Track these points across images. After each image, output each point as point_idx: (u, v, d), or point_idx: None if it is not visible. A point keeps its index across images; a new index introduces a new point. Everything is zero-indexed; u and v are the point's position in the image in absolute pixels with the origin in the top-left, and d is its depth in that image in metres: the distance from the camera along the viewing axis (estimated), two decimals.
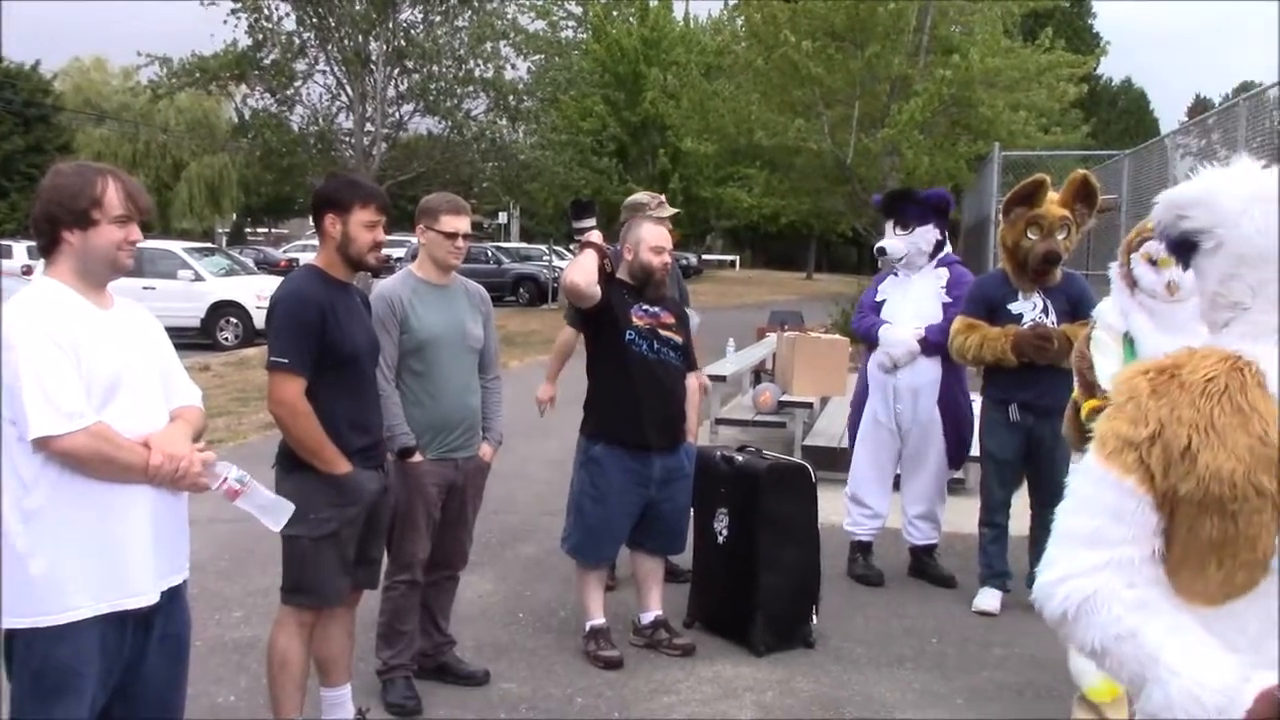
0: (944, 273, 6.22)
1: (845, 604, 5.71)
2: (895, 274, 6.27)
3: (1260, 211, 1.82)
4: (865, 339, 6.29)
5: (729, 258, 62.11)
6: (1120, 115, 46.04)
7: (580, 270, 4.73)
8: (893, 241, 6.16)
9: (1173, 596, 1.83)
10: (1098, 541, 1.86)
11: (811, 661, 4.99)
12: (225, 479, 2.85)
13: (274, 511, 3.00)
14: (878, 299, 6.25)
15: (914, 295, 6.17)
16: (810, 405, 9.22)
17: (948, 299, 6.11)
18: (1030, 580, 2.02)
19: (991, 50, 20.17)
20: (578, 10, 36.27)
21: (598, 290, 4.73)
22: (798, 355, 9.32)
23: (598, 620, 4.97)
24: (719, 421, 9.36)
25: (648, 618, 5.09)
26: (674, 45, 38.59)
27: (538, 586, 5.92)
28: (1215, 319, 1.90)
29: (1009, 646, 5.15)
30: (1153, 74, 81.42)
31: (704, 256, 53.63)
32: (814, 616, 5.21)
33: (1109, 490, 1.85)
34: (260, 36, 22.64)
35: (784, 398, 9.20)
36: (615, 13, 39.50)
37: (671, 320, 4.94)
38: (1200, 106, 50.48)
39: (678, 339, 4.94)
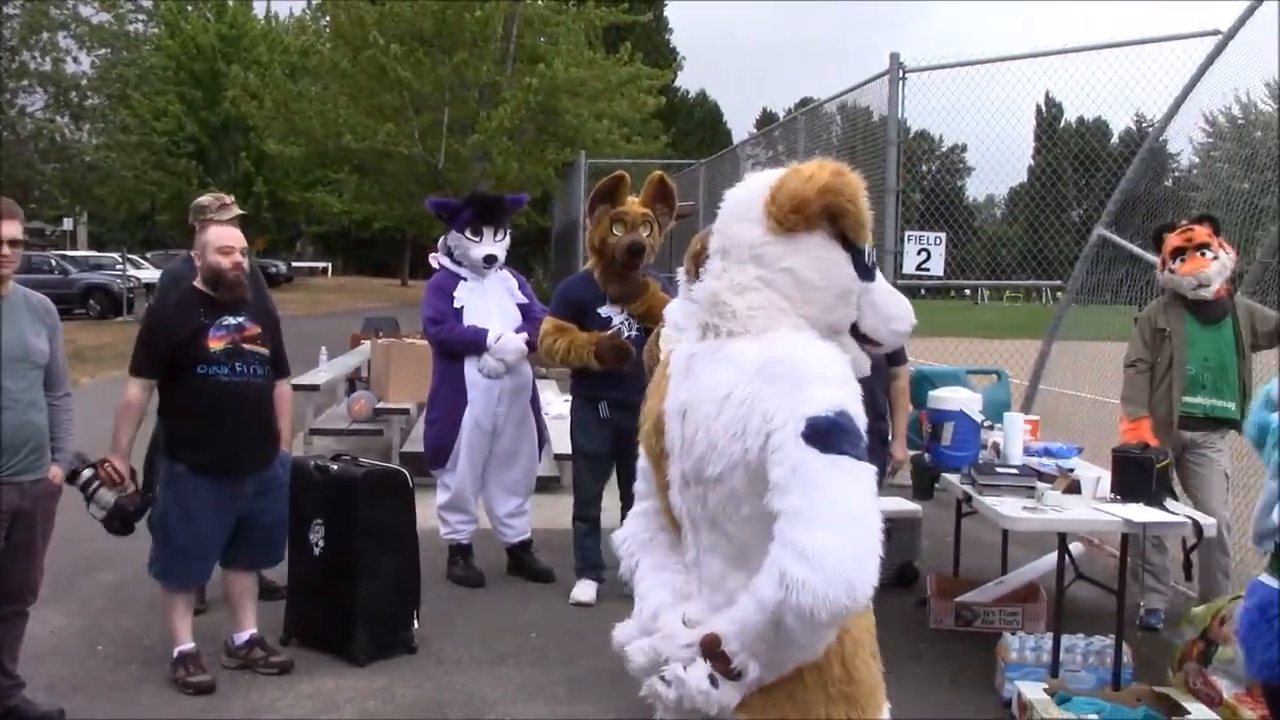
0: (507, 275, 6.34)
1: (446, 607, 5.74)
2: (464, 279, 6.19)
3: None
4: (468, 346, 6.07)
5: (320, 265, 60.42)
6: (697, 126, 48.74)
7: None
8: (497, 248, 6.20)
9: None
10: (638, 497, 2.37)
11: (414, 666, 4.98)
12: None
13: None
14: (456, 306, 6.13)
15: (493, 299, 6.20)
16: (407, 411, 9.17)
17: (523, 299, 6.28)
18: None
19: (575, 61, 20.89)
20: (147, 3, 34.12)
21: None
22: (393, 362, 9.26)
23: (186, 645, 4.72)
24: (313, 432, 9.13)
25: (242, 637, 4.89)
26: (255, 43, 37.16)
27: (119, 616, 5.54)
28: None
29: (604, 634, 5.30)
30: (725, 88, 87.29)
31: (294, 264, 51.85)
32: (415, 621, 5.20)
33: (642, 457, 2.31)
34: None
35: (380, 405, 9.11)
36: (190, 7, 37.50)
37: (257, 330, 4.71)
38: (767, 119, 54.52)
39: (264, 351, 4.73)
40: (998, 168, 9.49)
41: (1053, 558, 5.18)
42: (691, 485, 2.10)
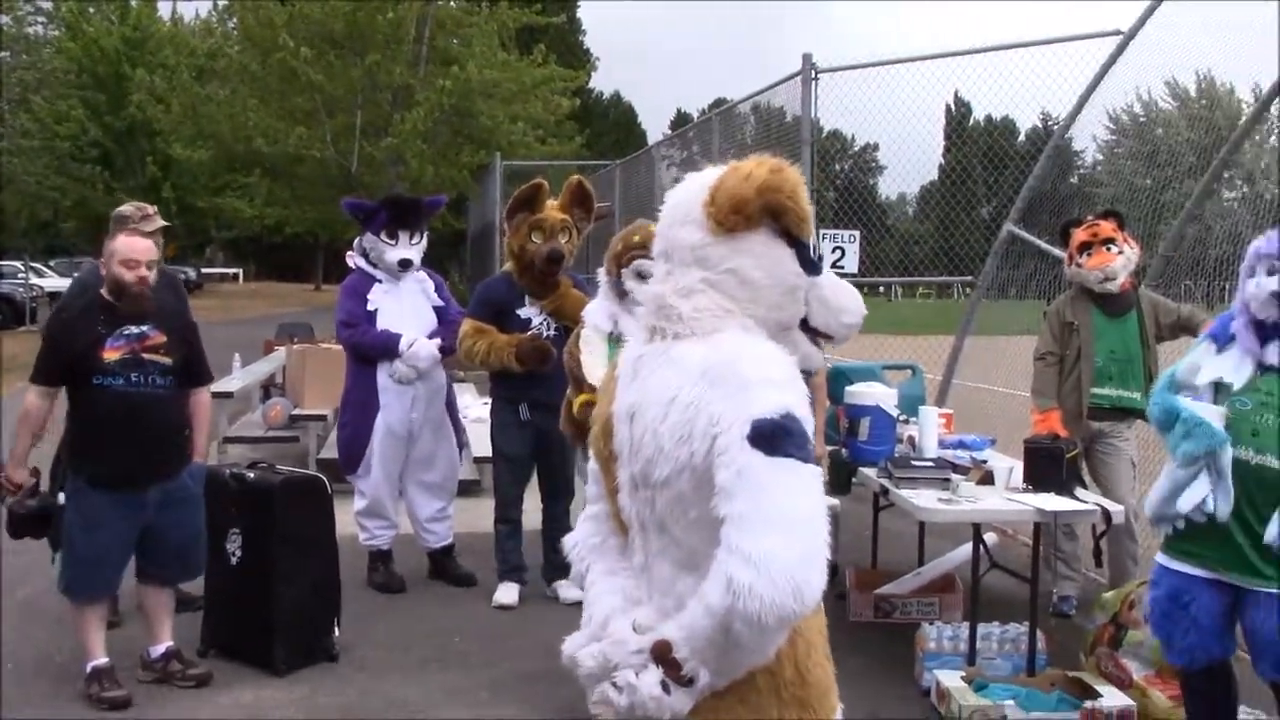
0: (424, 276, 6.27)
1: (367, 613, 5.68)
2: (379, 281, 6.11)
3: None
4: (381, 351, 5.98)
5: (231, 271, 59.44)
6: (612, 127, 48.86)
7: None
8: (413, 252, 6.14)
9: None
10: (589, 500, 2.36)
11: (335, 674, 4.92)
12: None
13: None
14: (370, 309, 6.04)
15: (409, 302, 6.13)
16: (324, 418, 9.06)
17: (439, 302, 6.22)
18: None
19: (489, 63, 20.81)
20: (47, 5, 33.33)
21: None
22: (309, 368, 9.14)
23: (100, 660, 4.62)
24: (227, 440, 8.97)
25: (158, 650, 4.80)
26: (161, 46, 36.46)
27: (30, 631, 5.39)
28: None
29: (527, 636, 5.35)
30: (639, 89, 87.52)
31: (204, 270, 50.93)
32: (336, 629, 5.14)
33: (592, 459, 2.31)
34: None
35: (296, 411, 8.99)
36: (92, 9, 36.67)
37: (161, 340, 4.59)
38: (681, 120, 54.77)
39: (168, 360, 4.60)
40: (909, 166, 9.65)
41: (968, 548, 5.27)
42: (640, 489, 2.09)
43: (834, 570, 6.19)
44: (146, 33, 37.14)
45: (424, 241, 6.22)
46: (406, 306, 6.11)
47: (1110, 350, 5.56)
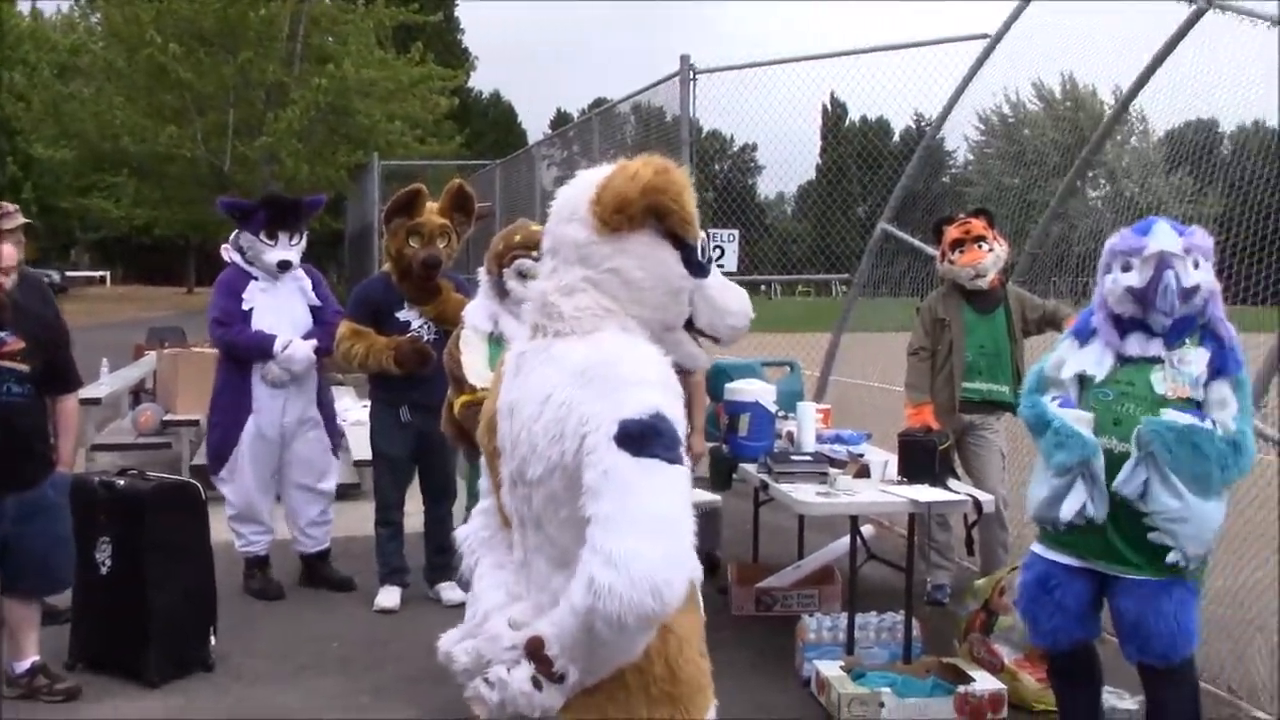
0: (301, 274, 6.13)
1: (244, 621, 5.56)
2: (255, 279, 5.98)
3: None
4: (254, 352, 5.88)
5: (98, 273, 57.62)
6: (492, 126, 48.61)
7: None
8: (293, 253, 6.00)
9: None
10: (482, 494, 2.36)
11: (211, 684, 4.82)
12: None
13: None
14: (245, 308, 5.92)
15: (285, 301, 6.01)
16: (196, 423, 8.82)
17: (316, 302, 6.10)
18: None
19: (365, 61, 20.54)
20: None
21: None
22: (181, 372, 8.91)
23: None
24: (95, 448, 8.71)
25: (22, 665, 4.63)
26: (20, 42, 35.13)
27: None
28: None
29: (409, 640, 5.29)
30: (519, 89, 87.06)
31: (69, 273, 49.26)
32: (212, 637, 5.03)
33: (484, 454, 2.29)
34: None
35: (168, 417, 8.77)
36: None
37: (19, 346, 4.40)
38: (561, 120, 54.75)
39: (23, 368, 4.41)
40: (787, 166, 9.82)
41: (846, 541, 5.39)
42: (518, 485, 2.09)
43: (716, 565, 6.28)
44: (4, 28, 35.76)
45: (303, 242, 6.11)
46: (283, 306, 5.97)
47: (980, 345, 5.72)
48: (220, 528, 5.44)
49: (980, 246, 5.62)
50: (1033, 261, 7.03)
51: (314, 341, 5.93)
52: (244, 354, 5.90)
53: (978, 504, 4.71)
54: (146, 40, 18.77)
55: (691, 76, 9.34)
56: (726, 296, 2.20)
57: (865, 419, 7.64)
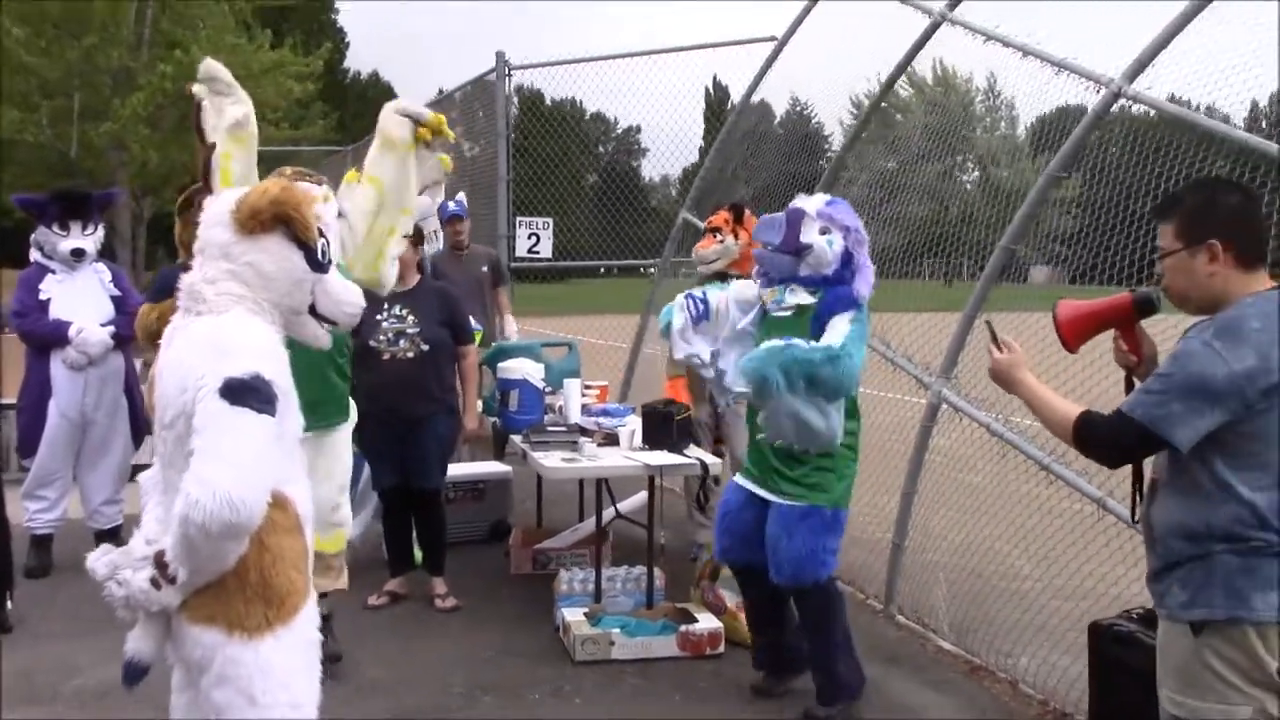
0: (102, 267, 6.50)
1: (48, 589, 5.94)
2: (53, 272, 6.32)
3: None
4: (50, 339, 6.21)
5: None
6: (371, 107, 47.84)
7: None
8: (87, 242, 6.32)
9: None
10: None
11: (8, 643, 5.18)
12: None
13: None
14: (42, 298, 6.25)
15: (85, 292, 6.34)
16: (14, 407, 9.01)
17: (116, 292, 6.45)
18: None
19: (216, 47, 20.42)
20: None
21: None
22: (6, 357, 9.07)
23: None
24: None
25: None
26: None
27: None
28: None
29: None
30: (397, 69, 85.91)
31: None
32: (9, 602, 5.40)
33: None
34: None
35: None
36: None
37: None
38: (443, 101, 54.20)
39: None
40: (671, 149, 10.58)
41: (627, 503, 6.01)
42: (162, 430, 2.64)
43: (507, 530, 6.80)
44: None
45: (99, 232, 6.44)
46: (81, 296, 6.32)
47: None
48: (11, 509, 5.72)
49: (715, 236, 6.11)
50: (908, 245, 7.35)
51: (111, 328, 6.29)
52: (40, 341, 6.26)
53: (704, 466, 5.33)
54: None
55: (507, 73, 9.93)
56: (342, 289, 2.82)
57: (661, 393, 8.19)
